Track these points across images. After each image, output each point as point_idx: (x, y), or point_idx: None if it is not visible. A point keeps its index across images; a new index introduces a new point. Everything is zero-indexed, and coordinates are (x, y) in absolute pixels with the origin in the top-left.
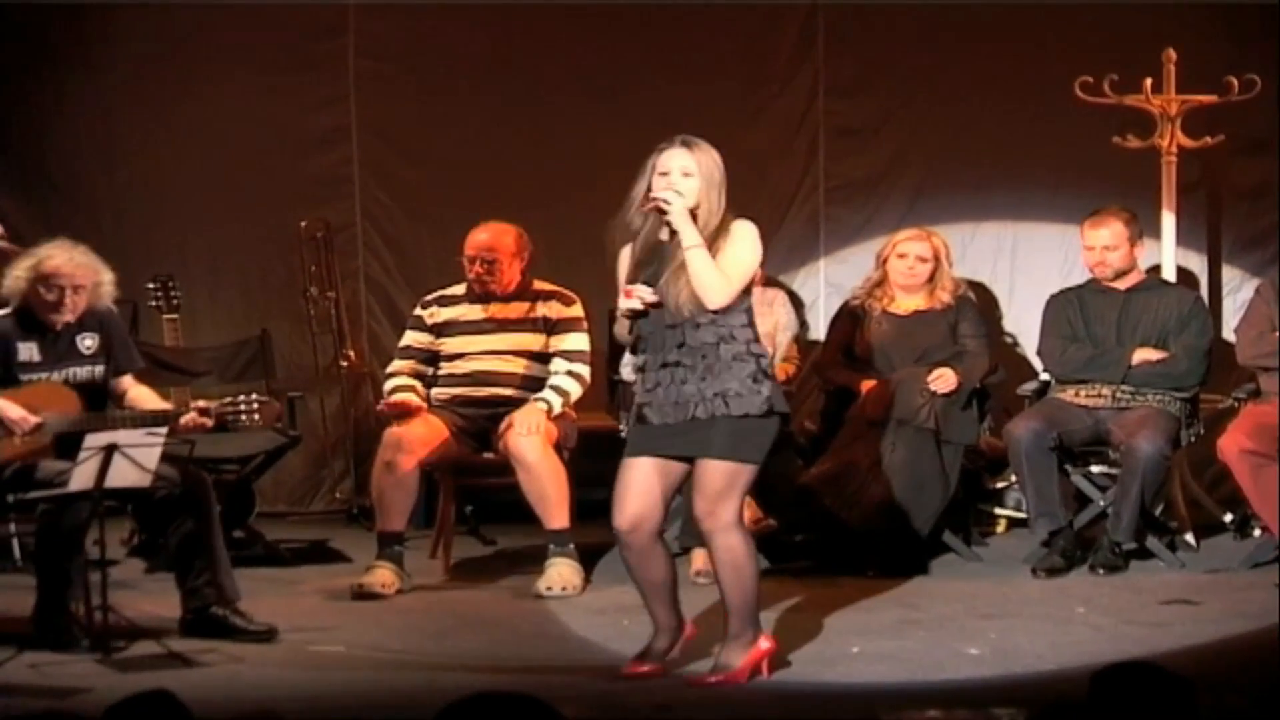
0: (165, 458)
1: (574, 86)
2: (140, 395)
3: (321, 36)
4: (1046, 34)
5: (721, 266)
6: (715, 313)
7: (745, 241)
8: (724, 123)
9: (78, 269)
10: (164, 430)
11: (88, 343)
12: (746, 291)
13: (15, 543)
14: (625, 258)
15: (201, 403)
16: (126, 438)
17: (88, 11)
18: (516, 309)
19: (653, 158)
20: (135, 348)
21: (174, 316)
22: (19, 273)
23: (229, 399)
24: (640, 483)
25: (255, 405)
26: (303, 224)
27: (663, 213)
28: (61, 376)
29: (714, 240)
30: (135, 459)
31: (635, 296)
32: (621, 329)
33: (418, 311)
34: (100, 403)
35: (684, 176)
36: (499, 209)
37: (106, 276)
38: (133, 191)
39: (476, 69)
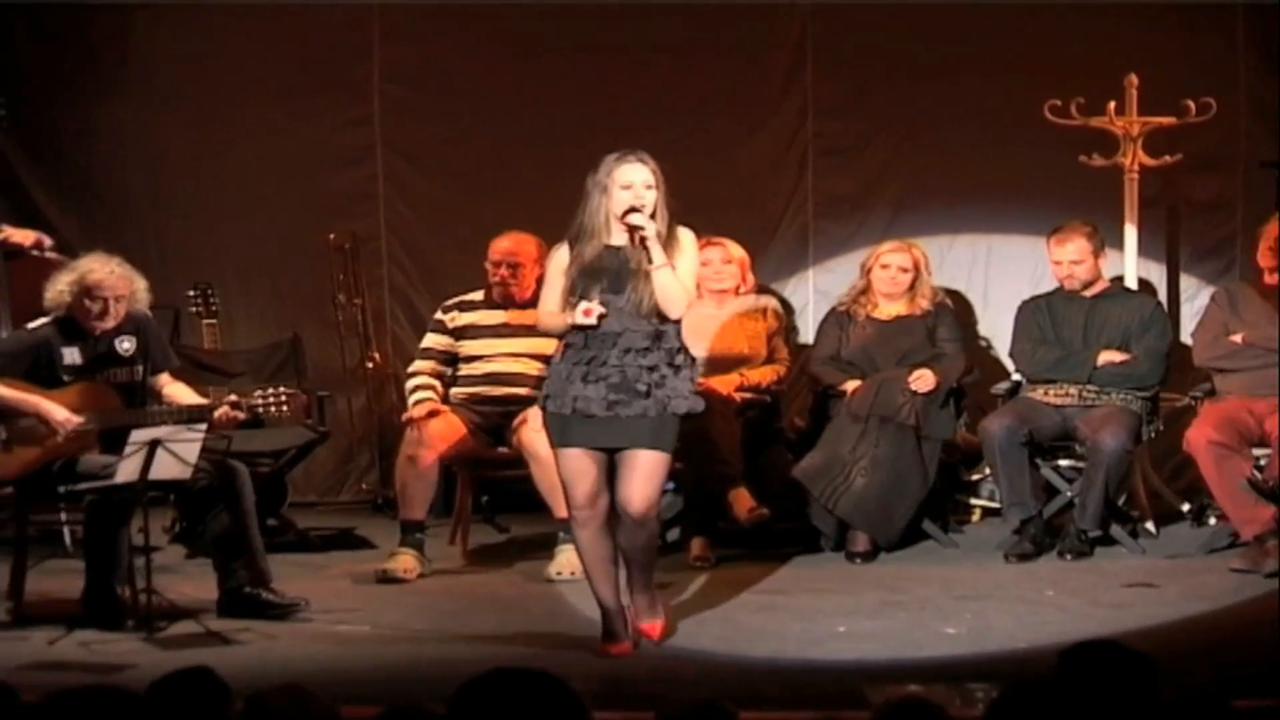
0: (205, 451)
1: (581, 111)
2: (176, 391)
3: (348, 62)
4: (1019, 60)
5: (680, 279)
6: (672, 321)
7: (692, 252)
8: (721, 143)
9: (118, 280)
10: (203, 426)
11: (125, 345)
12: None
13: (66, 530)
14: (563, 260)
15: (233, 396)
16: (169, 433)
17: (132, 30)
18: (532, 315)
19: (607, 169)
20: (170, 348)
21: (213, 321)
22: (61, 286)
23: (260, 393)
24: (588, 469)
25: (284, 398)
26: (331, 236)
27: (644, 239)
28: (103, 378)
29: (666, 248)
30: (177, 453)
31: (594, 315)
32: (553, 323)
33: (439, 315)
34: (138, 401)
35: (646, 189)
36: (513, 223)
37: (141, 284)
38: (174, 205)
39: (491, 94)
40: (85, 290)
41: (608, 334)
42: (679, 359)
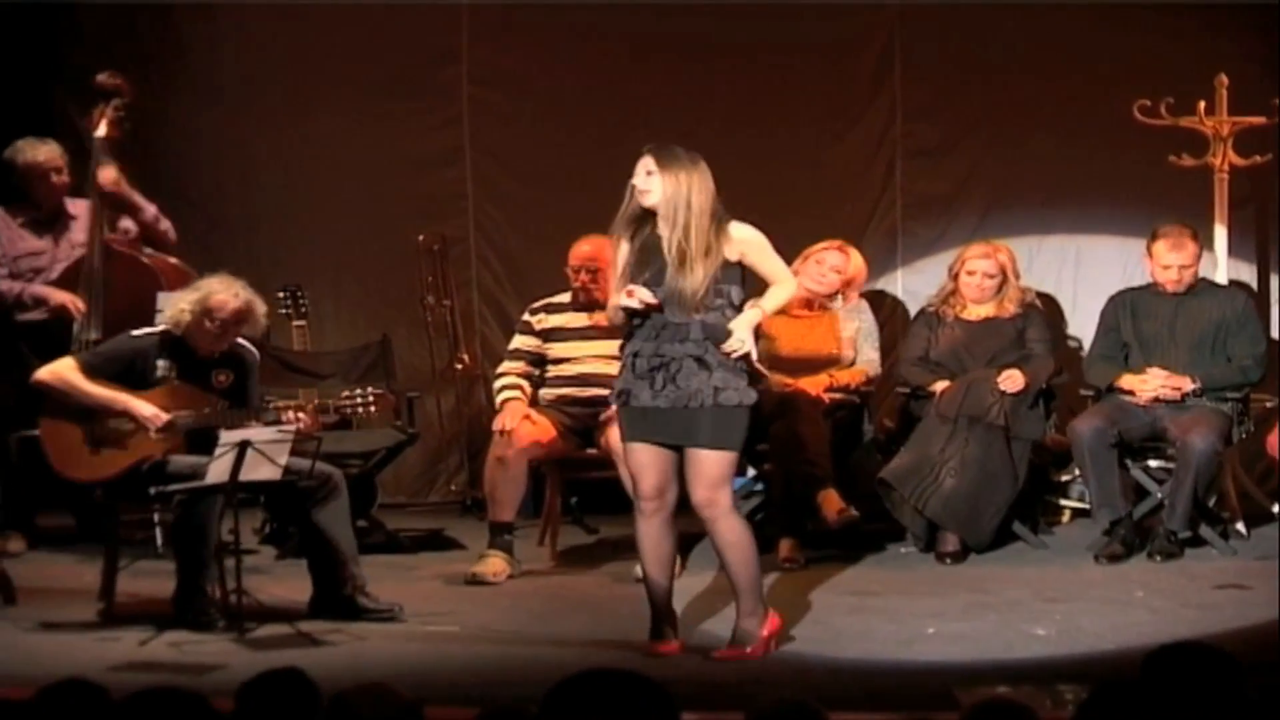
0: (297, 453)
1: (671, 112)
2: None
3: (436, 65)
4: (1108, 61)
5: (775, 278)
6: (711, 313)
7: (765, 245)
8: (810, 145)
9: (240, 304)
10: (293, 428)
11: (221, 378)
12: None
13: (158, 531)
14: (624, 251)
15: (316, 400)
16: (259, 435)
17: (221, 32)
18: None
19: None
20: (257, 394)
21: (302, 323)
22: (183, 305)
23: (347, 394)
24: (652, 461)
25: (371, 398)
26: (420, 237)
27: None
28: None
29: (707, 240)
30: (267, 454)
31: (636, 298)
32: (616, 317)
33: (526, 317)
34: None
35: (647, 175)
36: (600, 224)
37: (260, 309)
38: (264, 208)
39: (579, 95)
40: (206, 311)
41: (650, 326)
42: (710, 354)
